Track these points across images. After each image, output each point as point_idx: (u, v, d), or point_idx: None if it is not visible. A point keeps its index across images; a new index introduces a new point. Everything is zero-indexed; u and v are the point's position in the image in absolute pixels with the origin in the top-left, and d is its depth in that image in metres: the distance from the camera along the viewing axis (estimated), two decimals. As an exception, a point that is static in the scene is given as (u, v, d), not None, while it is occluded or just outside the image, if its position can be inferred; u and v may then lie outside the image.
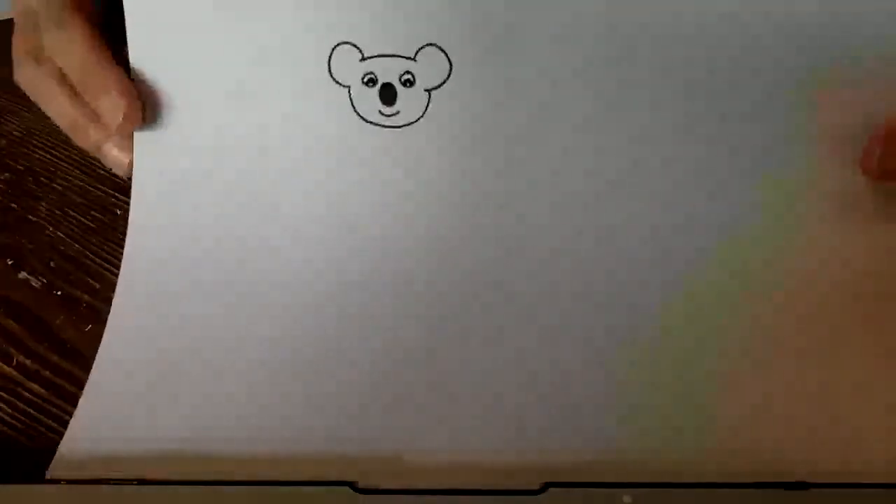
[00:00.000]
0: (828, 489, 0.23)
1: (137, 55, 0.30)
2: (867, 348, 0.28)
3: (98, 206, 0.35)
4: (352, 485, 0.23)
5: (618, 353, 0.28)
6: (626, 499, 0.23)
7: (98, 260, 0.32)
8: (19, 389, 0.28)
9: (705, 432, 0.25)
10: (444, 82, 0.29)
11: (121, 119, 0.29)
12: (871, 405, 0.26)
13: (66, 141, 0.38)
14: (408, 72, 0.29)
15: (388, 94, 0.30)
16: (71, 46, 0.30)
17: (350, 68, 0.29)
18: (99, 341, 0.29)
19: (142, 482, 0.24)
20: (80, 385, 0.28)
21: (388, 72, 0.29)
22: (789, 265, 0.30)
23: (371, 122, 0.30)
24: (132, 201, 0.32)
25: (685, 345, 0.28)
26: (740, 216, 0.30)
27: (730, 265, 0.30)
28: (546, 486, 0.23)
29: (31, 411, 0.27)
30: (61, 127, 0.31)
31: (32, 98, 0.31)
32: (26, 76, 0.31)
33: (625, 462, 0.25)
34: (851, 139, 0.28)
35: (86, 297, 0.31)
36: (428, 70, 0.29)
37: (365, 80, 0.30)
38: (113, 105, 0.29)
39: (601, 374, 0.27)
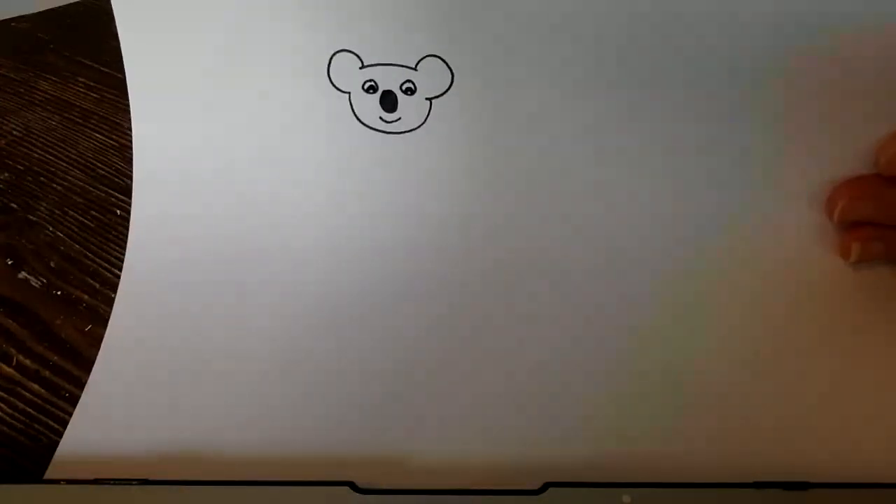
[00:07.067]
0: (828, 489, 0.23)
1: (132, 62, 0.31)
2: (868, 348, 0.28)
3: (98, 206, 0.35)
4: (352, 485, 0.23)
5: (618, 354, 0.28)
6: (626, 499, 0.23)
7: (98, 260, 0.32)
8: (19, 389, 0.28)
9: (705, 432, 0.25)
10: (445, 91, 0.29)
11: None
12: (872, 405, 0.26)
13: (66, 141, 0.38)
14: (409, 80, 0.29)
15: (388, 101, 0.30)
16: None
17: (350, 75, 0.29)
18: (99, 341, 0.29)
19: (142, 482, 0.24)
20: (80, 385, 0.28)
21: (389, 80, 0.29)
22: (788, 266, 0.30)
23: (372, 128, 0.30)
24: (133, 205, 0.32)
25: (686, 345, 0.28)
26: (742, 218, 0.30)
27: (731, 266, 0.30)
28: (546, 486, 0.23)
29: (31, 411, 0.27)
30: None
31: None
32: None
33: (624, 462, 0.25)
34: (852, 142, 0.28)
35: (86, 297, 0.31)
36: (429, 79, 0.29)
37: (365, 87, 0.30)
38: None
39: (601, 374, 0.27)
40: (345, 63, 0.29)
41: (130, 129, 0.33)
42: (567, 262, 0.30)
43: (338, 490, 0.23)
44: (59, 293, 0.31)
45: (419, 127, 0.30)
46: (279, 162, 0.32)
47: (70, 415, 0.27)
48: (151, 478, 0.24)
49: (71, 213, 0.35)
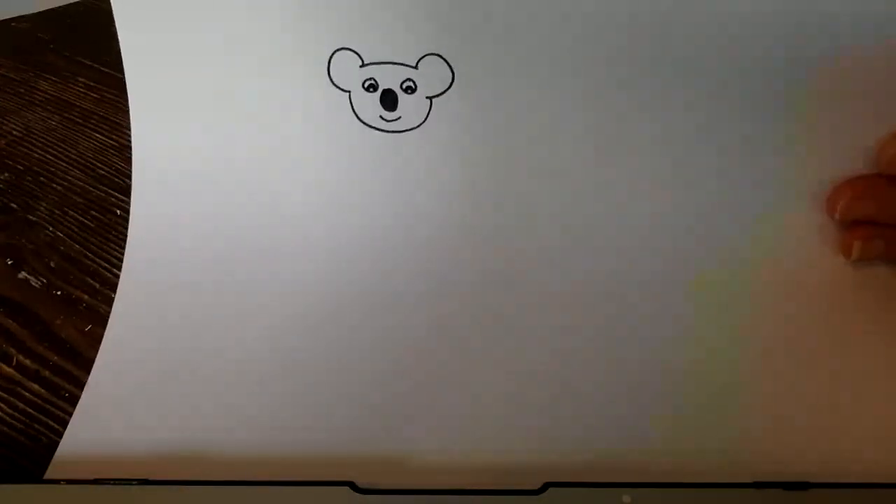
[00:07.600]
0: (828, 489, 0.23)
1: (132, 62, 0.31)
2: (868, 348, 0.28)
3: (98, 206, 0.35)
4: (352, 485, 0.23)
5: (617, 354, 0.28)
6: (626, 499, 0.23)
7: (98, 260, 0.32)
8: (19, 389, 0.28)
9: (705, 432, 0.25)
10: (446, 90, 0.29)
11: None
12: (872, 405, 0.26)
13: (66, 141, 0.38)
14: (409, 79, 0.29)
15: (389, 100, 0.30)
16: None
17: (350, 74, 0.29)
18: (99, 341, 0.29)
19: (142, 482, 0.24)
20: (80, 385, 0.28)
21: (389, 78, 0.29)
22: (788, 265, 0.30)
23: (372, 127, 0.30)
24: (132, 203, 0.32)
25: (685, 345, 0.28)
26: (742, 218, 0.30)
27: (731, 266, 0.30)
28: (546, 486, 0.23)
29: (31, 411, 0.27)
30: None
31: None
32: None
33: (624, 462, 0.25)
34: (852, 142, 0.28)
35: (86, 297, 0.31)
36: (430, 78, 0.29)
37: (365, 85, 0.29)
38: None
39: (601, 375, 0.27)
40: (345, 61, 0.29)
41: (130, 129, 0.34)
42: (567, 262, 0.30)
43: (338, 490, 0.23)
44: (59, 293, 0.31)
45: (419, 126, 0.30)
46: (279, 161, 0.32)
47: (70, 415, 0.27)
48: (151, 478, 0.24)
49: (71, 213, 0.35)
